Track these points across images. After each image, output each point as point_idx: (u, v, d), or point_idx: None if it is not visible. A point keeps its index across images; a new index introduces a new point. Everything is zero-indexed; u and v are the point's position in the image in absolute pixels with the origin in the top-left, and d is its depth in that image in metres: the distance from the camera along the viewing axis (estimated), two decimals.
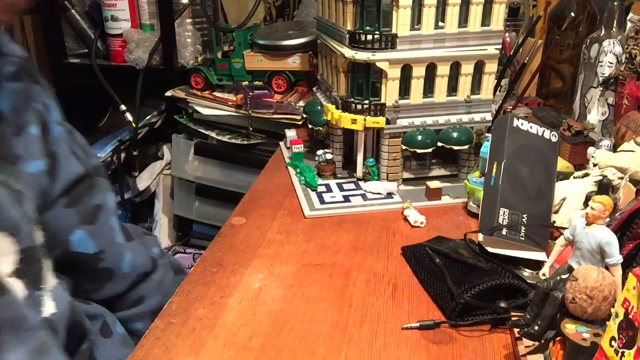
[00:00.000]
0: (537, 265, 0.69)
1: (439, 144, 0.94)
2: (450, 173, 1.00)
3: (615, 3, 1.01)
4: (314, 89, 1.17)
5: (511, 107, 1.20)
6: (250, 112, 1.33)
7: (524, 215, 0.72)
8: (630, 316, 0.41)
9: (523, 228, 0.71)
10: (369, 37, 0.89)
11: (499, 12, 0.90)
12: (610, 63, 0.98)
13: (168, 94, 1.44)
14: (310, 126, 1.10)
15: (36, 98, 0.65)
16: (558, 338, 0.51)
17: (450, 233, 0.79)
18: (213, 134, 1.42)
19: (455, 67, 0.92)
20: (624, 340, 0.41)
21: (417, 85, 0.92)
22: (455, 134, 0.93)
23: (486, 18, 0.91)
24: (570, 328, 0.48)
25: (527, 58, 1.29)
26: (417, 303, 0.66)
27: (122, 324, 0.72)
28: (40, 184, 0.62)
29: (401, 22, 0.87)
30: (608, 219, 0.52)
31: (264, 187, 0.98)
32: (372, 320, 0.63)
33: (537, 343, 0.54)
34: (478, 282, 0.62)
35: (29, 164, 0.60)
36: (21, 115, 0.61)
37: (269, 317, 0.64)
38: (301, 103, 1.30)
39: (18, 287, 0.51)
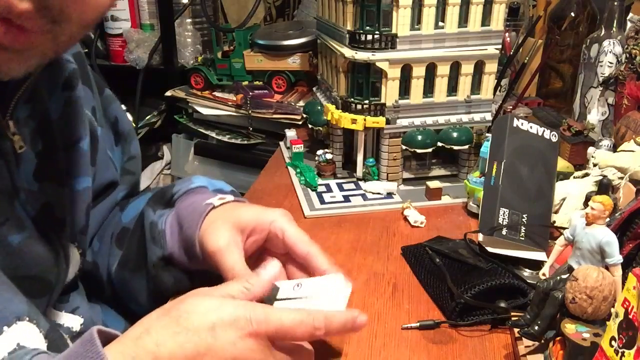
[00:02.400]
0: (537, 265, 0.69)
1: (439, 144, 0.94)
2: (450, 173, 1.00)
3: (615, 3, 1.01)
4: (314, 89, 1.17)
5: (511, 107, 1.20)
6: (250, 112, 1.33)
7: (524, 215, 0.72)
8: (630, 316, 0.41)
9: (523, 228, 0.71)
10: (369, 37, 0.88)
11: (499, 12, 0.90)
12: (610, 63, 0.98)
13: (168, 94, 1.44)
14: (310, 126, 1.10)
15: (87, 103, 0.63)
16: (558, 338, 0.51)
17: (450, 233, 0.78)
18: (213, 134, 1.42)
19: (455, 67, 0.92)
20: (624, 340, 0.41)
21: (417, 85, 0.92)
22: (455, 134, 0.93)
23: (486, 18, 0.91)
24: (570, 328, 0.48)
25: (527, 58, 1.29)
26: (417, 303, 0.66)
27: None
28: (86, 201, 0.60)
29: (401, 22, 0.87)
30: (608, 219, 0.52)
31: (264, 187, 0.98)
32: (372, 320, 0.63)
33: (537, 343, 0.54)
34: (478, 282, 0.62)
35: (77, 181, 0.58)
36: (72, 127, 0.59)
37: None
38: (301, 103, 1.30)
39: None
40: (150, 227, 0.61)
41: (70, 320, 0.58)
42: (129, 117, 0.75)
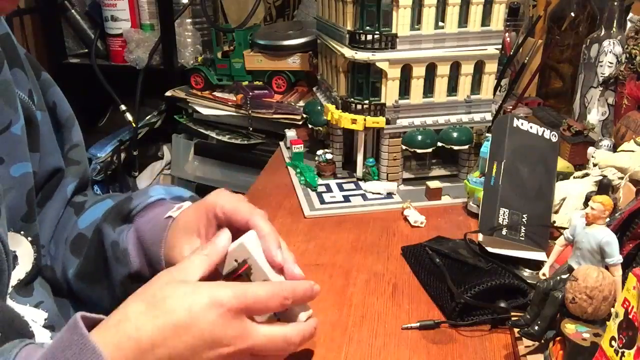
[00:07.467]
0: (537, 265, 0.69)
1: (439, 144, 0.94)
2: (450, 173, 1.00)
3: (615, 3, 1.01)
4: (314, 89, 1.17)
5: (511, 107, 1.20)
6: (250, 112, 1.33)
7: (524, 215, 0.72)
8: (630, 316, 0.41)
9: (523, 228, 0.71)
10: (369, 37, 0.88)
11: (499, 12, 0.90)
12: (610, 63, 0.98)
13: (168, 94, 1.44)
14: (310, 126, 1.10)
15: (21, 86, 0.60)
16: (558, 338, 0.51)
17: (450, 233, 0.79)
18: (213, 134, 1.42)
19: (455, 67, 0.92)
20: (624, 340, 0.41)
21: (417, 85, 0.92)
22: (455, 134, 0.93)
23: (486, 18, 0.91)
24: (570, 328, 0.48)
25: (527, 58, 1.29)
26: (417, 303, 0.66)
27: None
28: (26, 187, 0.58)
29: (401, 22, 0.87)
30: (608, 219, 0.52)
31: (264, 187, 0.98)
32: (372, 320, 0.63)
33: (537, 343, 0.54)
34: (478, 282, 0.62)
35: (11, 167, 0.56)
36: (2, 113, 0.56)
37: None
38: (301, 103, 1.30)
39: None
40: (113, 247, 0.61)
41: (34, 315, 0.57)
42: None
